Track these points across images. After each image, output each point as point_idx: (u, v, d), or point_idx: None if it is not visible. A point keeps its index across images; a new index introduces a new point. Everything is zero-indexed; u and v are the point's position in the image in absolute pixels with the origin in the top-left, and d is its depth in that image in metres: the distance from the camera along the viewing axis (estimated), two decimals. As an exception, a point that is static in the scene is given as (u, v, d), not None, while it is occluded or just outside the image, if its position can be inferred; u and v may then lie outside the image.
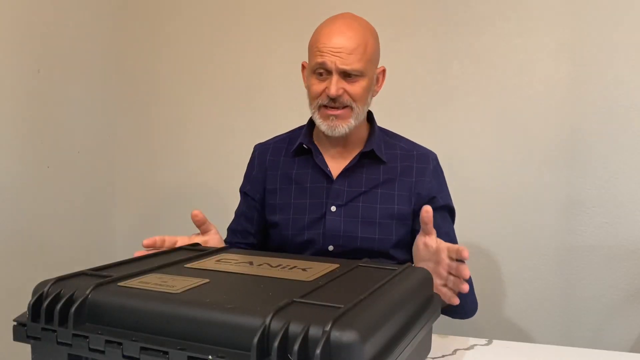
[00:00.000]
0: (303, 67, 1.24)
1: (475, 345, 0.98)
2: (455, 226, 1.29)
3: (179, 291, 0.67)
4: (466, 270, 0.92)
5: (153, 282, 0.71)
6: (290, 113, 2.00)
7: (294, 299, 0.63)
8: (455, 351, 0.95)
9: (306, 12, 1.99)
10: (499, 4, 1.83)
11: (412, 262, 1.24)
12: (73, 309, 0.65)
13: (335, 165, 1.23)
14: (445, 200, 1.24)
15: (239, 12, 2.12)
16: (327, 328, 0.55)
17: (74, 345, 0.64)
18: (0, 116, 1.77)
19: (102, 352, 0.62)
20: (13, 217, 1.81)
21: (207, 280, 0.73)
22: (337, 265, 0.85)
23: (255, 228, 1.31)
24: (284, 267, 0.82)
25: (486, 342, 0.99)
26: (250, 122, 2.13)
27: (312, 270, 0.81)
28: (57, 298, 0.68)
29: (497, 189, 1.85)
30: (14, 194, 1.81)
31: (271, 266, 0.83)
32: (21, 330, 0.68)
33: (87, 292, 0.67)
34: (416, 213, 1.20)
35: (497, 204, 1.85)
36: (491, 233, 1.86)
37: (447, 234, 1.21)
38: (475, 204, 1.85)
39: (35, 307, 0.68)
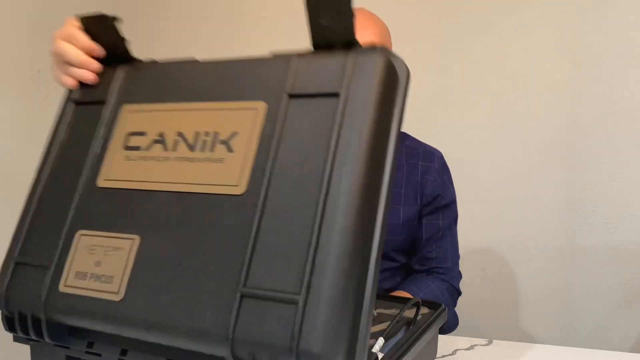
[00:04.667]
0: None
1: (476, 345, 0.97)
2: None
3: (120, 297, 0.56)
4: None
5: (90, 277, 0.59)
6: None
7: (242, 292, 0.51)
8: (455, 351, 0.94)
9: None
10: (500, 4, 1.82)
11: (410, 265, 1.23)
12: (44, 330, 0.60)
13: None
14: (448, 200, 1.22)
15: (241, 11, 2.12)
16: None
17: (72, 348, 0.62)
18: (0, 116, 1.77)
19: (99, 355, 0.61)
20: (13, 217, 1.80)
21: (138, 239, 0.58)
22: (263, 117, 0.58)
23: None
24: (203, 150, 0.59)
25: (486, 342, 0.98)
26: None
27: (234, 157, 0.57)
28: (22, 317, 0.61)
29: (497, 189, 1.85)
30: (14, 194, 1.81)
31: (189, 148, 0.60)
32: None
33: (41, 315, 0.60)
34: (419, 212, 1.19)
35: (497, 203, 1.85)
36: (490, 233, 1.86)
37: (444, 236, 1.20)
38: (475, 204, 1.85)
39: (9, 322, 0.63)
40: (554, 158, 1.79)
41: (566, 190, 1.78)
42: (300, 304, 0.47)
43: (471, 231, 1.84)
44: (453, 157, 1.87)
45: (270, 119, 0.55)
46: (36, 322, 0.61)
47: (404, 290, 1.11)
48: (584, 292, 1.78)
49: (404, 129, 1.37)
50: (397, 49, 1.28)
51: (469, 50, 1.85)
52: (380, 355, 0.63)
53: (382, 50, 0.55)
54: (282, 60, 0.59)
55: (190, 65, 0.65)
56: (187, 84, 0.63)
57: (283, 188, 0.52)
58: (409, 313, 0.76)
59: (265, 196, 0.52)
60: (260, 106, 0.56)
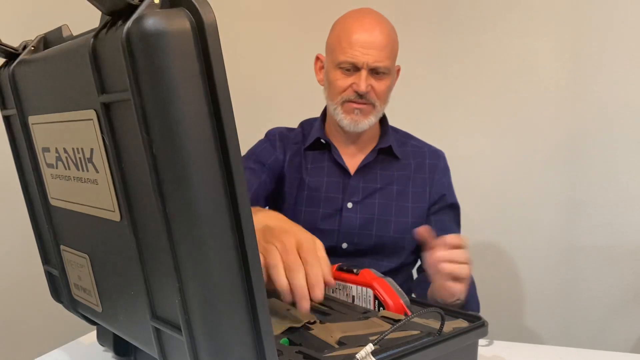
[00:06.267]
0: (317, 58, 1.20)
1: (476, 345, 0.97)
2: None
3: (101, 310, 0.66)
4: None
5: (80, 288, 0.70)
6: (292, 112, 2.00)
7: (152, 324, 0.53)
8: (455, 352, 0.94)
9: (307, 9, 1.98)
10: (500, 4, 1.82)
11: (416, 263, 1.23)
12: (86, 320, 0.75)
13: (350, 161, 1.20)
14: (452, 199, 1.22)
15: (241, 8, 2.11)
16: None
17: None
18: None
19: None
20: (15, 216, 1.80)
21: (88, 258, 0.65)
22: None
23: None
24: (83, 170, 0.58)
25: (487, 342, 0.98)
26: (251, 119, 2.12)
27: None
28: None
29: (497, 189, 1.84)
30: (14, 195, 1.81)
31: (75, 167, 0.60)
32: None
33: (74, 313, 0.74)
34: (429, 210, 1.20)
35: (497, 204, 1.84)
36: (491, 233, 1.85)
37: (452, 232, 1.21)
38: (476, 204, 1.84)
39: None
40: (554, 158, 1.78)
41: (566, 190, 1.77)
42: (186, 340, 0.45)
43: (471, 231, 1.83)
44: (453, 157, 1.85)
45: (104, 129, 0.49)
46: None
47: None
48: (584, 292, 1.77)
49: (405, 129, 1.36)
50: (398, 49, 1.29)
51: (469, 51, 1.84)
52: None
53: (171, 14, 0.41)
54: (83, 50, 0.49)
55: (33, 68, 0.61)
56: (38, 95, 0.61)
57: (143, 211, 0.48)
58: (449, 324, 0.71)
59: (134, 223, 0.49)
60: (93, 115, 0.51)
